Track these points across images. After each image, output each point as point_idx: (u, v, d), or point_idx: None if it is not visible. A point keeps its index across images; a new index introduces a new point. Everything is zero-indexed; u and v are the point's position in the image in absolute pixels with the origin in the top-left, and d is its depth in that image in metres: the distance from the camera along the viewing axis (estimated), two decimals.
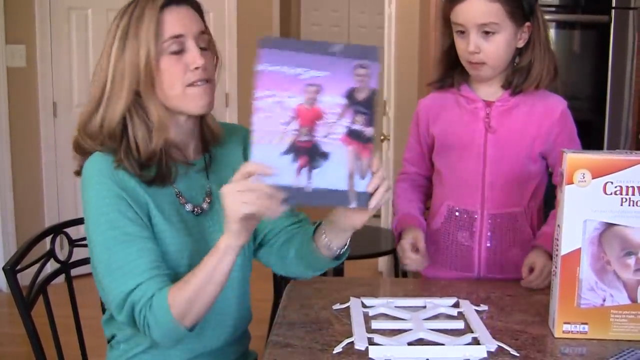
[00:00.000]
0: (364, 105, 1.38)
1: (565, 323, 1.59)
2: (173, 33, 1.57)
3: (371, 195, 1.42)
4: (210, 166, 1.74)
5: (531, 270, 1.94)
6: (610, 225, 1.55)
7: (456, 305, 1.79)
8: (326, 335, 1.60)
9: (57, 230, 1.93)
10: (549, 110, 2.04)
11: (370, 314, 1.71)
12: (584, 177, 1.53)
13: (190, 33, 1.59)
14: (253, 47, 1.38)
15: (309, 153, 1.38)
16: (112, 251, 1.53)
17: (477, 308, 1.76)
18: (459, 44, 1.99)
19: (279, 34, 6.06)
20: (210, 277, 1.49)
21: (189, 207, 1.67)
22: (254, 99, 1.36)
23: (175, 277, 1.56)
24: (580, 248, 1.56)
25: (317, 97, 1.38)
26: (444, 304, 1.77)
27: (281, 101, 1.36)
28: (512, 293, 1.90)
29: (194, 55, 1.58)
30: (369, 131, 1.38)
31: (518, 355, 1.49)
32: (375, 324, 1.63)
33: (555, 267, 1.61)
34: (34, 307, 1.79)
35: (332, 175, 1.39)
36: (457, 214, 2.09)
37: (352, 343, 1.53)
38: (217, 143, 1.75)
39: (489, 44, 1.94)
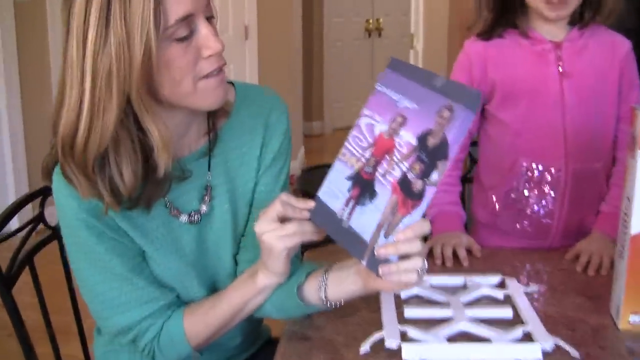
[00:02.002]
0: (429, 153, 1.11)
1: (632, 313, 1.35)
2: (181, 14, 1.15)
3: (385, 262, 1.15)
4: (214, 148, 1.37)
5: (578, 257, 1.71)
6: None
7: (502, 284, 1.55)
8: (350, 324, 1.37)
9: (49, 191, 1.70)
10: (617, 49, 1.84)
11: (402, 297, 1.47)
12: None
13: (199, 8, 1.18)
14: None
15: (364, 186, 1.20)
16: (99, 288, 1.31)
17: (525, 289, 1.52)
18: None
19: None
20: (239, 312, 1.33)
21: (183, 218, 1.35)
22: (359, 115, 1.25)
23: (185, 293, 1.38)
24: None
25: (400, 129, 1.17)
26: (487, 283, 1.54)
27: (373, 124, 1.22)
28: (566, 266, 1.66)
29: (208, 39, 1.19)
30: (418, 185, 1.11)
31: (579, 356, 1.25)
32: (408, 312, 1.40)
33: (622, 248, 1.36)
34: (17, 280, 1.57)
35: (368, 219, 1.17)
36: (536, 172, 1.84)
37: (382, 339, 1.30)
38: (227, 115, 1.39)
39: None
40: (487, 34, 1.86)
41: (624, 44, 1.84)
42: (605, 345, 1.30)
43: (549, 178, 1.83)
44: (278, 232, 1.21)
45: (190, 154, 1.33)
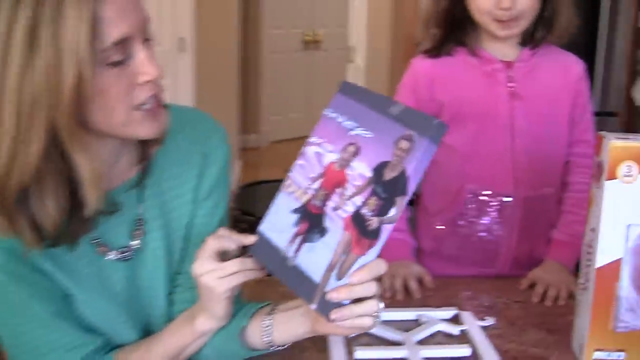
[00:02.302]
0: (387, 187, 1.00)
1: (597, 350, 1.27)
2: (116, 37, 1.02)
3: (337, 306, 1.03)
4: (146, 178, 1.23)
5: (532, 285, 1.63)
6: None
7: (456, 318, 1.45)
8: None
9: None
10: (570, 71, 1.76)
11: (352, 335, 1.37)
12: (630, 171, 1.20)
13: (136, 30, 1.06)
14: None
15: (312, 221, 1.09)
16: (22, 336, 1.17)
17: (481, 323, 1.43)
18: (481, 1, 1.65)
19: None
20: (175, 357, 1.21)
21: (112, 255, 1.21)
22: (305, 142, 1.15)
23: (116, 337, 1.24)
24: (620, 259, 1.23)
25: (353, 159, 1.06)
26: (440, 318, 1.44)
27: (322, 153, 1.12)
28: (522, 299, 1.57)
29: (144, 64, 1.07)
30: (374, 223, 1.00)
31: None
32: (359, 353, 1.30)
33: (586, 281, 1.28)
34: None
35: (317, 257, 1.05)
36: (483, 198, 1.75)
37: None
38: (160, 142, 1.22)
39: None
40: (434, 52, 1.76)
41: (578, 66, 1.76)
42: None
43: (497, 205, 1.74)
44: (218, 272, 1.10)
45: (120, 185, 1.20)
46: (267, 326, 1.17)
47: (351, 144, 1.07)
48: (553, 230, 1.75)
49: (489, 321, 1.44)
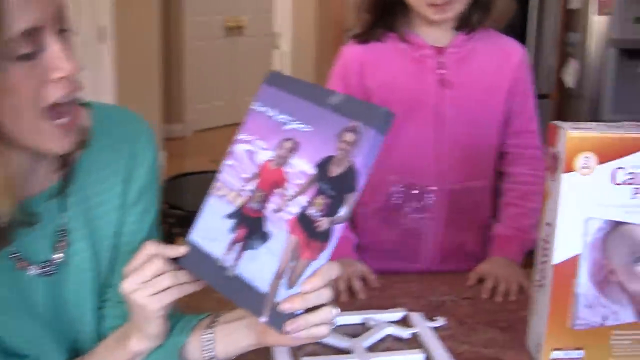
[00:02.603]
0: (334, 185, 0.92)
1: (555, 349, 1.21)
2: (24, 26, 0.91)
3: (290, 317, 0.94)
4: (69, 185, 1.12)
5: (481, 280, 1.56)
6: (618, 224, 1.16)
7: (405, 320, 1.38)
8: None
9: None
10: (508, 56, 1.68)
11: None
12: (587, 163, 1.13)
13: (48, 19, 0.94)
14: None
15: (250, 226, 0.99)
16: None
17: (431, 324, 1.35)
18: None
19: None
20: None
21: (33, 270, 1.09)
22: (233, 140, 1.04)
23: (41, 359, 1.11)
24: (579, 255, 1.17)
25: (291, 156, 0.97)
26: (389, 320, 1.36)
27: (254, 151, 1.01)
28: (470, 295, 1.51)
29: (58, 59, 0.95)
30: (324, 224, 0.92)
31: None
32: None
33: (543, 278, 1.22)
34: None
35: (261, 265, 0.96)
36: (404, 190, 1.67)
37: None
38: (83, 145, 1.11)
39: None
40: (364, 37, 1.67)
41: (518, 51, 1.68)
42: None
43: (421, 197, 1.67)
44: (149, 289, 0.99)
45: (39, 193, 1.08)
46: (208, 340, 1.08)
47: (287, 139, 0.97)
48: (495, 225, 1.68)
49: (440, 321, 1.37)
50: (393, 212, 1.68)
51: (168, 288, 1.00)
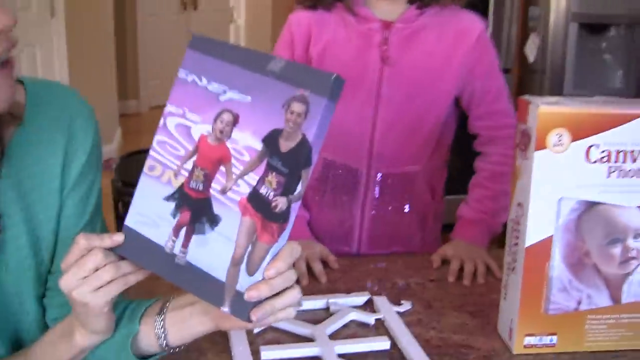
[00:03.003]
0: (286, 161, 0.84)
1: (528, 335, 1.16)
2: None
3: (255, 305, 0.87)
4: (1, 165, 1.02)
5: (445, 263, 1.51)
6: (592, 204, 1.11)
7: (369, 304, 1.32)
8: None
9: None
10: (464, 33, 1.56)
11: (256, 330, 1.21)
12: (560, 140, 1.08)
13: None
14: None
15: (195, 208, 0.90)
16: None
17: (397, 308, 1.30)
18: None
19: None
20: None
21: None
22: (162, 114, 0.94)
23: None
24: (552, 236, 1.12)
25: (231, 130, 0.88)
26: (353, 304, 1.31)
27: (186, 126, 0.92)
28: (436, 277, 1.45)
29: None
30: (280, 203, 0.84)
31: None
32: (266, 353, 1.15)
33: (514, 261, 1.16)
34: None
35: (214, 251, 0.88)
36: (335, 170, 1.60)
37: None
38: (16, 123, 1.04)
39: None
40: (310, 2, 1.57)
41: (476, 27, 1.57)
42: None
43: (350, 179, 1.60)
44: (90, 284, 0.91)
45: None
46: (160, 328, 1.00)
47: (225, 110, 0.89)
48: (461, 206, 1.63)
49: (405, 306, 1.31)
50: (325, 192, 1.62)
51: (112, 281, 0.92)
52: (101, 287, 0.91)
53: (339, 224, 1.63)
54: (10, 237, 1.04)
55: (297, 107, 0.83)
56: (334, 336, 1.21)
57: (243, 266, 0.86)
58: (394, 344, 1.18)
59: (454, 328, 1.25)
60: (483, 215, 1.58)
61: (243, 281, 0.85)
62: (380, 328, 1.24)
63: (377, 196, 1.60)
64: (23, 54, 4.24)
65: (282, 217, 0.84)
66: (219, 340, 1.18)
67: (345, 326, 1.25)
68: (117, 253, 0.93)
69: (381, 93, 1.53)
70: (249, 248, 0.85)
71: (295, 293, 0.89)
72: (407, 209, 1.63)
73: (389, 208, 1.61)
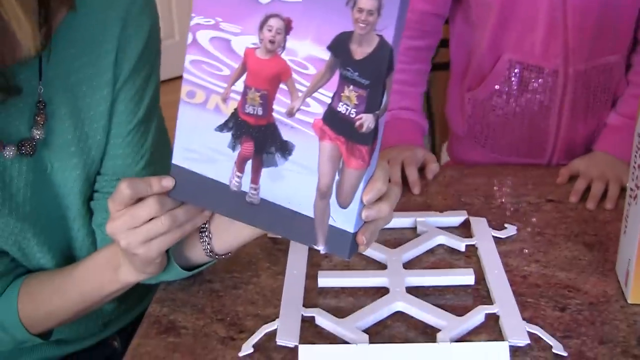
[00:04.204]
0: (365, 70, 0.69)
1: None
2: None
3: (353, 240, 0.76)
4: (49, 49, 0.88)
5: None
6: None
7: (465, 226, 1.12)
8: (240, 303, 0.96)
9: None
10: None
11: (322, 250, 1.04)
12: None
13: None
14: None
15: (258, 137, 0.77)
16: None
17: (497, 234, 1.09)
18: None
19: None
20: (92, 305, 0.96)
21: (10, 151, 0.89)
22: (189, 27, 0.78)
23: (23, 258, 0.98)
24: None
25: (283, 39, 0.72)
26: (445, 225, 1.11)
27: (224, 38, 0.75)
28: (556, 197, 1.22)
29: None
30: (367, 122, 0.70)
31: (566, 354, 0.84)
32: (323, 278, 0.98)
33: (638, 188, 0.92)
34: None
35: (292, 185, 0.76)
36: (524, 72, 1.35)
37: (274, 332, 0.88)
38: (68, 5, 0.88)
39: None
40: None
41: None
42: (607, 335, 0.88)
43: (543, 80, 1.34)
44: (142, 234, 0.80)
45: (15, 60, 0.84)
46: (205, 236, 0.89)
47: (271, 15, 0.72)
48: (611, 112, 1.36)
49: (509, 230, 1.10)
50: (507, 98, 1.38)
51: (167, 232, 0.81)
52: (155, 239, 0.80)
53: (530, 135, 1.41)
54: (56, 127, 0.93)
55: (367, 2, 0.67)
56: (412, 264, 1.02)
57: (333, 198, 0.74)
58: (481, 278, 0.98)
59: (563, 263, 1.03)
60: (627, 119, 1.32)
61: (336, 215, 0.75)
62: (472, 257, 1.04)
63: (573, 97, 1.35)
64: None
65: (369, 138, 0.71)
66: (274, 256, 1.03)
67: (430, 251, 1.06)
68: (170, 197, 0.81)
69: None
70: (336, 177, 0.73)
71: (390, 215, 0.78)
72: (609, 108, 1.39)
73: (589, 110, 1.38)
